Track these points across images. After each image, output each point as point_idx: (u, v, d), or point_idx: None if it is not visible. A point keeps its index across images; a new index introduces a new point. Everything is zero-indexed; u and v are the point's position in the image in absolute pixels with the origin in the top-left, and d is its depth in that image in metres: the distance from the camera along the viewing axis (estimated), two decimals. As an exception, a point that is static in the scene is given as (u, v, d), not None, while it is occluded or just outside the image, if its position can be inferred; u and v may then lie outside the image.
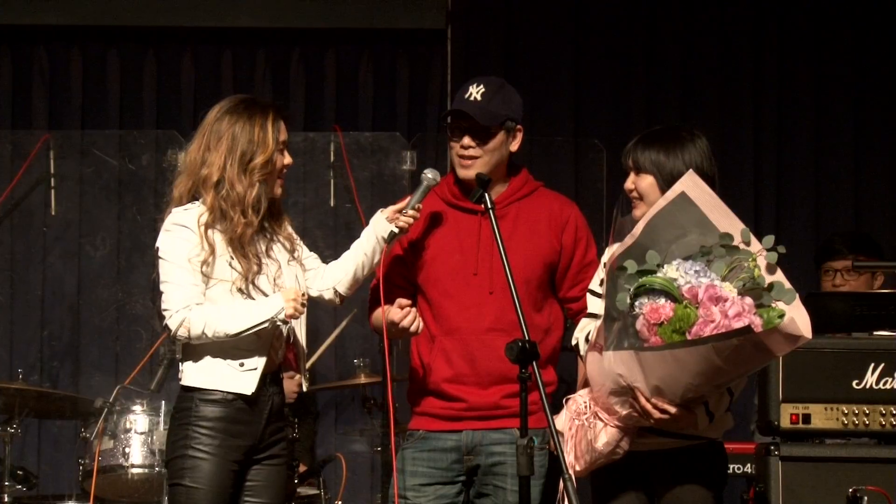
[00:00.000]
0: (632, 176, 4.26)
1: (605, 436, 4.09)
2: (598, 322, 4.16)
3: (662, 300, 3.90)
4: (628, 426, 4.09)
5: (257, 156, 4.35)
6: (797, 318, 3.86)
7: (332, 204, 6.96)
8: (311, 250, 4.61)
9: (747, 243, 3.99)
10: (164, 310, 4.32)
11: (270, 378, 4.41)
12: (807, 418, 4.69)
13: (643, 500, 4.23)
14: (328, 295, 4.57)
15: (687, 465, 4.18)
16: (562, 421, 4.14)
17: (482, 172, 4.45)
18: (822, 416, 4.69)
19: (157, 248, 4.38)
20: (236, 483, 4.37)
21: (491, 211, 4.29)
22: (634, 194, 4.26)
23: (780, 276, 3.97)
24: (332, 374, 6.86)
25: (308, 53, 7.17)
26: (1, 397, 6.15)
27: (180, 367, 4.42)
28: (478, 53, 7.10)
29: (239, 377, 4.34)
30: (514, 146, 4.58)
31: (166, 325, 4.31)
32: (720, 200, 4.04)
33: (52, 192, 6.96)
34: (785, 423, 4.68)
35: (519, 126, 4.57)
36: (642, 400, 3.99)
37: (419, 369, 4.59)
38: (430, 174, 4.55)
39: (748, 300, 3.89)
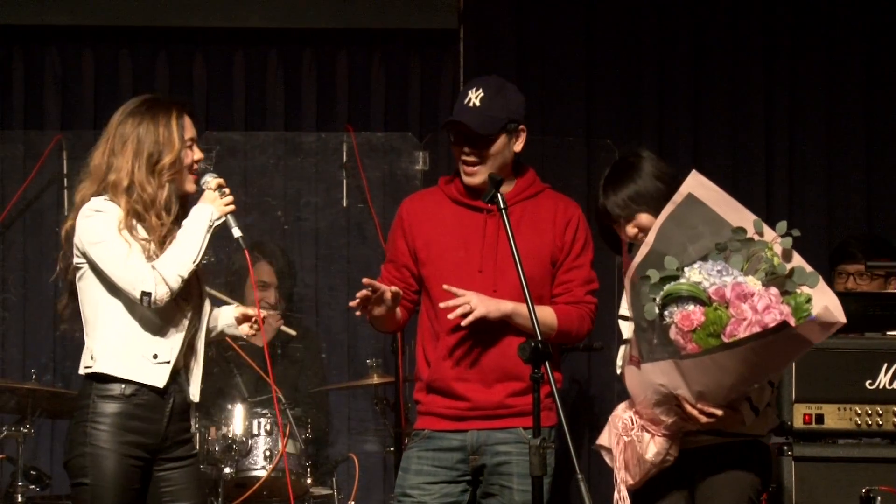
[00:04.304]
0: (625, 227, 4.25)
1: (654, 446, 4.10)
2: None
3: (692, 306, 3.88)
4: (675, 432, 4.09)
5: (164, 156, 4.33)
6: (828, 303, 3.87)
7: (344, 204, 6.95)
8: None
9: (760, 234, 3.98)
10: (130, 282, 4.25)
11: (177, 374, 4.38)
12: (820, 418, 4.69)
13: (686, 498, 4.22)
14: (214, 334, 4.58)
15: (729, 461, 4.17)
16: (606, 437, 4.15)
17: (493, 172, 4.44)
18: (836, 417, 4.69)
19: (83, 240, 4.30)
20: (143, 483, 4.33)
21: (504, 211, 4.27)
22: (640, 237, 4.22)
23: (798, 260, 3.96)
24: (344, 374, 6.86)
25: (320, 54, 7.17)
26: (14, 397, 6.16)
27: (90, 356, 4.36)
28: (489, 53, 7.10)
29: (151, 369, 4.31)
30: (518, 146, 4.56)
31: (144, 291, 4.23)
32: (727, 195, 4.03)
33: (65, 192, 6.95)
34: (798, 423, 4.68)
35: (522, 126, 4.55)
36: (688, 406, 3.99)
37: (424, 367, 4.59)
38: (209, 178, 4.46)
39: (773, 290, 3.89)
